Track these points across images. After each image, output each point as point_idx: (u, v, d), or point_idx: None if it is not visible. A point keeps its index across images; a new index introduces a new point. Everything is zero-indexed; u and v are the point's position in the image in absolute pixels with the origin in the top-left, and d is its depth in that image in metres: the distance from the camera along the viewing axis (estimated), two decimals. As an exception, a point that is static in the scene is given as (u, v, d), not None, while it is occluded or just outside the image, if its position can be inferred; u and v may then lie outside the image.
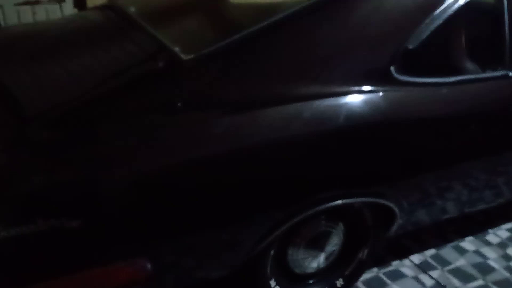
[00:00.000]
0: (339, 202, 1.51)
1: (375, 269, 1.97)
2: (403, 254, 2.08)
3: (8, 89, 1.44)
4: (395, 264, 2.02)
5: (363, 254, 1.74)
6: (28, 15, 3.22)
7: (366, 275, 1.92)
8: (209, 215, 1.33)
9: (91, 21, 1.93)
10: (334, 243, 1.67)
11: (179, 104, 1.31)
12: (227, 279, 1.50)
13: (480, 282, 1.98)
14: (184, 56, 1.38)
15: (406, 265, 2.02)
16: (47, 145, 1.23)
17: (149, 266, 1.28)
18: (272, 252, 1.53)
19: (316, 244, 1.63)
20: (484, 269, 2.05)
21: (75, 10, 3.32)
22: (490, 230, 2.30)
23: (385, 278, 1.94)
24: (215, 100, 1.35)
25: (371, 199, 1.58)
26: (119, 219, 1.22)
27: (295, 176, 1.40)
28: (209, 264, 1.43)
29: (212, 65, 1.39)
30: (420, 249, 2.12)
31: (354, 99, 1.46)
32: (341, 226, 1.66)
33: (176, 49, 1.41)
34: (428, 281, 1.95)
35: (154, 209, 1.26)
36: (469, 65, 1.80)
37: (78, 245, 1.18)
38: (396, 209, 1.65)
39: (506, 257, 2.13)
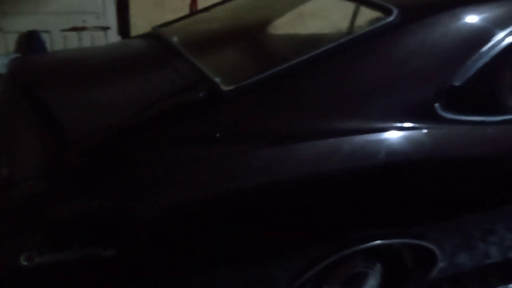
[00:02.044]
0: (378, 242, 1.45)
1: (411, 313, 1.87)
2: (442, 298, 1.97)
3: (50, 113, 1.47)
4: (433, 308, 1.91)
5: (401, 297, 1.66)
6: (74, 41, 3.35)
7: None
8: (242, 249, 1.30)
9: (134, 48, 1.98)
10: (371, 284, 1.59)
11: (217, 135, 1.30)
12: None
13: (526, 334, 1.85)
14: (224, 87, 1.38)
15: (445, 310, 1.92)
16: (85, 172, 1.23)
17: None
18: (306, 291, 1.48)
19: (352, 284, 1.56)
20: (531, 320, 1.92)
21: (119, 38, 3.43)
22: (536, 278, 2.16)
23: (422, 323, 1.83)
24: (253, 132, 1.33)
25: (411, 241, 1.51)
26: (153, 250, 1.20)
27: (332, 213, 1.35)
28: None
29: (252, 97, 1.38)
30: (459, 294, 2.00)
31: (395, 136, 1.42)
32: (379, 267, 1.59)
33: (217, 79, 1.42)
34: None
35: (186, 241, 1.24)
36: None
37: (111, 275, 1.17)
38: (438, 252, 1.57)
39: (554, 308, 1.99)
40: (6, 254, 1.11)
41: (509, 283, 2.10)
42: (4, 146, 1.43)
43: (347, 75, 1.45)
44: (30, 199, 1.17)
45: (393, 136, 1.41)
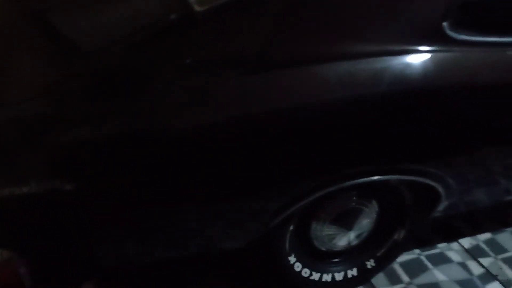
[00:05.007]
0: (371, 178, 1.33)
1: (417, 251, 1.79)
2: (452, 236, 1.87)
3: (49, 32, 1.38)
4: (441, 247, 1.82)
5: (399, 235, 1.56)
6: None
7: (405, 256, 1.75)
8: (221, 180, 1.21)
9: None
10: (365, 222, 1.50)
11: (187, 61, 1.18)
12: (245, 253, 1.40)
13: (540, 275, 1.73)
14: (198, 7, 1.23)
15: (454, 249, 1.81)
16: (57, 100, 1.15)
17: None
18: (292, 227, 1.40)
19: (344, 221, 1.47)
20: (547, 260, 1.79)
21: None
22: (561, 216, 2.00)
23: (426, 262, 1.75)
24: (229, 58, 1.20)
25: (409, 177, 1.38)
26: (124, 184, 1.15)
27: (316, 146, 1.23)
28: (221, 233, 1.34)
29: (230, 18, 1.22)
30: (472, 232, 1.89)
31: (395, 61, 1.24)
32: (374, 204, 1.48)
33: (192, -1, 1.27)
34: (477, 269, 1.73)
35: (159, 176, 1.17)
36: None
37: (70, 211, 1.13)
38: (441, 189, 1.44)
39: None
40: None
41: (530, 222, 1.96)
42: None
43: None
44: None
45: (392, 61, 1.24)
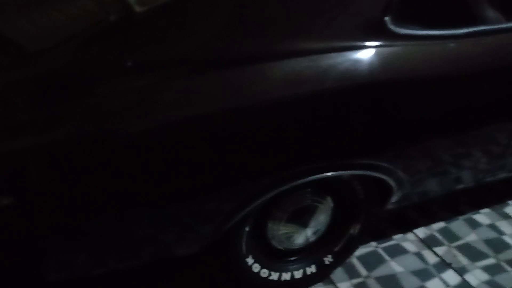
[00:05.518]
0: (323, 175, 1.33)
1: (373, 243, 1.81)
2: (407, 227, 1.90)
3: None
4: (397, 238, 1.85)
5: (355, 230, 1.58)
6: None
7: (362, 250, 1.77)
8: (172, 182, 1.18)
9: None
10: (320, 219, 1.50)
11: (132, 63, 1.15)
12: (202, 257, 1.38)
13: (491, 260, 1.78)
14: (137, 8, 1.20)
15: (409, 240, 1.85)
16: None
17: None
18: (248, 228, 1.39)
19: (300, 219, 1.47)
20: (498, 245, 1.85)
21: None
22: (510, 202, 2.07)
23: (383, 254, 1.77)
24: (173, 59, 1.17)
25: (360, 172, 1.39)
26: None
27: (269, 144, 1.22)
28: (175, 238, 1.30)
29: (169, 19, 1.20)
30: (426, 222, 1.93)
31: (339, 57, 1.25)
32: (329, 201, 1.49)
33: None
34: (432, 258, 1.77)
35: (108, 182, 1.13)
36: (488, 13, 1.52)
37: (14, 224, 1.07)
38: (392, 182, 1.46)
39: (525, 232, 1.92)
40: None
41: (480, 209, 2.03)
42: None
43: None
44: None
45: (336, 58, 1.24)
